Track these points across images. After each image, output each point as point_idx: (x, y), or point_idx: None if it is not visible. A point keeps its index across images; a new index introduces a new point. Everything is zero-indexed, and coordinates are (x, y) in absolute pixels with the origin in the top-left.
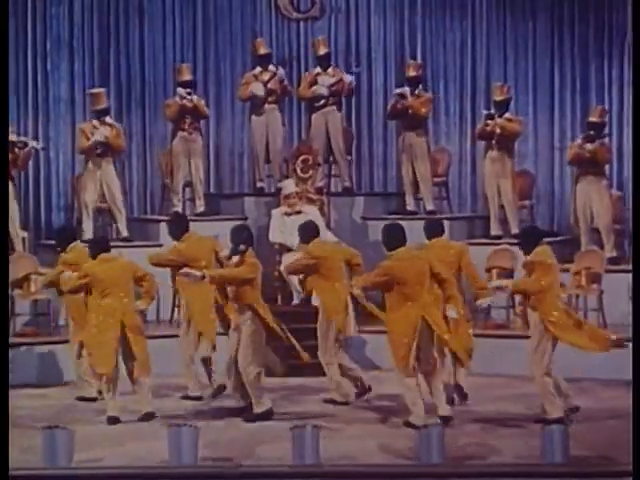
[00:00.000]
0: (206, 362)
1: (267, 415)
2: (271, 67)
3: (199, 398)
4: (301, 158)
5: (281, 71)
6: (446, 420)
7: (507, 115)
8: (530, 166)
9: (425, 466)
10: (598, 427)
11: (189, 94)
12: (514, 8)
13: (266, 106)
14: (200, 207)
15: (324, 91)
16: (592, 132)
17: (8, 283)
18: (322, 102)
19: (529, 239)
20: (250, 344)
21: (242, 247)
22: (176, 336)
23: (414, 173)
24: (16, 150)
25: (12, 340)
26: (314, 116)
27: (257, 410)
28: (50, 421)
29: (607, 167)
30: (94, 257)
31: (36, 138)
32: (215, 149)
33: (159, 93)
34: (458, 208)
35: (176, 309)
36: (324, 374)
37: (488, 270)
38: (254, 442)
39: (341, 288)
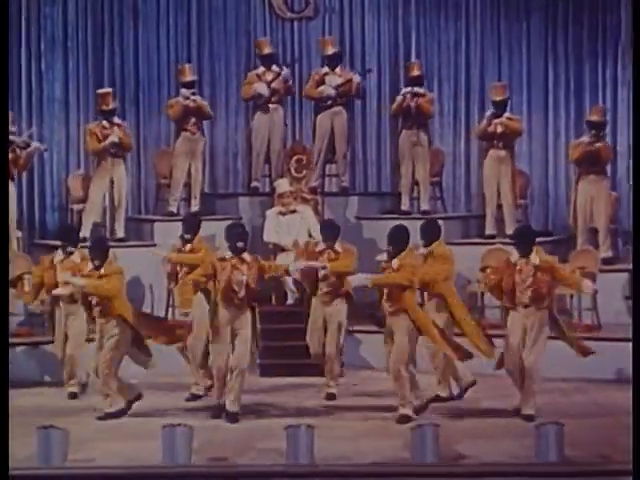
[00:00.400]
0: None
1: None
2: (274, 67)
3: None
4: (295, 158)
5: (286, 71)
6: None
7: (508, 114)
8: (524, 166)
9: (419, 465)
10: (592, 426)
11: (193, 94)
12: (508, 8)
13: (270, 106)
14: (195, 207)
15: (331, 91)
16: (594, 131)
17: (8, 283)
18: (329, 102)
19: (525, 239)
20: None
21: (240, 244)
22: None
23: (413, 172)
24: (17, 150)
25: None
26: (320, 116)
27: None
28: (44, 421)
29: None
30: (100, 259)
31: (30, 138)
32: (210, 149)
33: (153, 93)
34: (452, 208)
35: (170, 309)
36: (319, 374)
37: (482, 270)
38: (248, 441)
39: None
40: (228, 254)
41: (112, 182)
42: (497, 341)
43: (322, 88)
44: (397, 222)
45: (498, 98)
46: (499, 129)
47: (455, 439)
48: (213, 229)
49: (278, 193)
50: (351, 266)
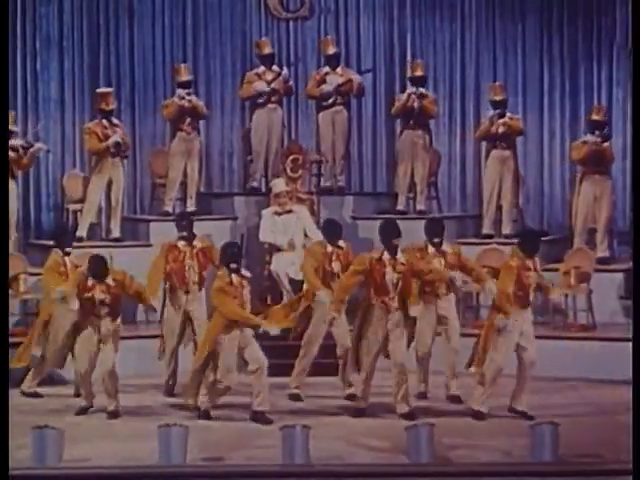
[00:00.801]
0: None
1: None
2: (275, 67)
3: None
4: (291, 158)
5: (286, 71)
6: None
7: (508, 114)
8: (519, 166)
9: (414, 465)
10: (587, 426)
11: (188, 94)
12: (503, 9)
13: (269, 105)
14: (191, 206)
15: (330, 90)
16: (598, 131)
17: (8, 283)
18: (330, 101)
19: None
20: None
21: (233, 266)
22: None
23: (411, 172)
24: (20, 151)
25: None
26: (321, 115)
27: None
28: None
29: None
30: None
31: (25, 137)
32: (205, 148)
33: (149, 93)
34: (447, 208)
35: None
36: (313, 374)
37: None
38: (244, 441)
39: None
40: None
41: (110, 182)
42: None
43: (323, 87)
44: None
45: (498, 98)
46: (502, 129)
47: (450, 439)
48: (209, 229)
49: (274, 193)
50: None
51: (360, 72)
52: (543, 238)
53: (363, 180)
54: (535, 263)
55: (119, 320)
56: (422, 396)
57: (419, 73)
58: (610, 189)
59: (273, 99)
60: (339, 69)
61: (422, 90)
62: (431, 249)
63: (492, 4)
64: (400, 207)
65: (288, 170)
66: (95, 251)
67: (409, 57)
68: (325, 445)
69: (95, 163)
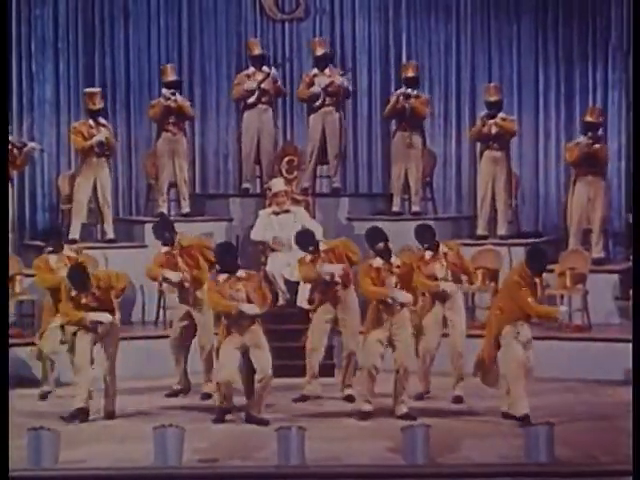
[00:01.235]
0: None
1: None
2: (265, 68)
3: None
4: (286, 159)
5: (275, 72)
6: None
7: (501, 115)
8: (515, 167)
9: (410, 466)
10: (583, 427)
11: (173, 94)
12: (498, 10)
13: (259, 106)
14: (185, 208)
15: (319, 91)
16: (590, 133)
17: (7, 283)
18: (319, 103)
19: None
20: None
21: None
22: (162, 337)
23: (405, 174)
24: (15, 151)
25: None
26: (312, 117)
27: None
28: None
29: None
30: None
31: (20, 138)
32: (200, 150)
33: (144, 94)
34: (443, 209)
35: (161, 310)
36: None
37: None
38: (239, 443)
39: None
40: (222, 276)
41: (95, 182)
42: None
43: (311, 89)
44: (388, 223)
45: (492, 99)
46: (494, 130)
47: (446, 440)
48: (204, 230)
49: (273, 192)
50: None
51: (341, 73)
52: (538, 239)
53: (359, 181)
54: (542, 281)
55: (117, 316)
56: (420, 397)
57: (411, 74)
58: (604, 190)
59: (263, 100)
60: (327, 70)
61: (412, 91)
62: (428, 254)
63: (487, 5)
64: (395, 208)
65: (283, 171)
66: (90, 252)
67: (404, 58)
68: (321, 446)
69: (80, 162)
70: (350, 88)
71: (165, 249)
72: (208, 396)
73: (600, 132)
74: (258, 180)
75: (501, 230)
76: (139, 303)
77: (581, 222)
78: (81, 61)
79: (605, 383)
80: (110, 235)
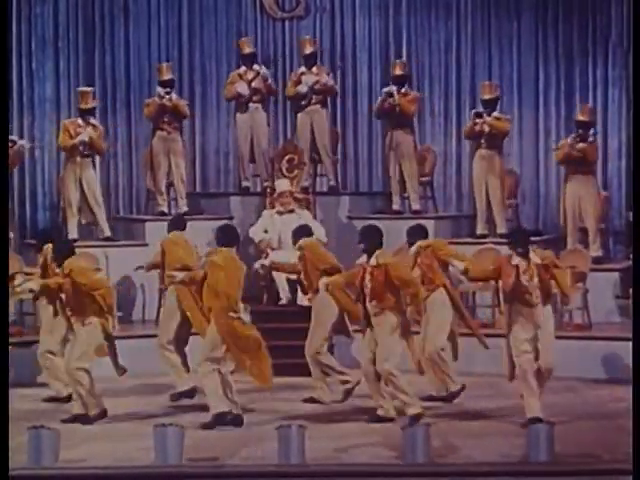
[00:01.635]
0: None
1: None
2: (255, 66)
3: None
4: (287, 157)
5: (265, 70)
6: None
7: (495, 114)
8: (515, 165)
9: (410, 465)
10: (582, 425)
11: (168, 93)
12: (499, 8)
13: (251, 105)
14: (183, 206)
15: (304, 89)
16: (581, 131)
17: (8, 283)
18: (305, 101)
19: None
20: None
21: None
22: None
23: (401, 172)
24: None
25: None
26: (299, 115)
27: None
28: (32, 421)
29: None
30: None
31: (21, 137)
32: (201, 148)
33: (144, 93)
34: (443, 207)
35: (162, 309)
36: (309, 374)
37: None
38: (240, 442)
39: None
40: None
41: (82, 182)
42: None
43: (298, 87)
44: (388, 222)
45: (486, 97)
46: (485, 128)
47: (446, 439)
48: (205, 229)
49: (277, 192)
50: None
51: (330, 70)
52: (538, 238)
53: (359, 180)
54: (528, 263)
55: (88, 320)
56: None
57: (398, 72)
58: (595, 188)
59: (255, 98)
60: (315, 68)
61: (398, 89)
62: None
63: (487, 3)
64: (395, 207)
65: (284, 170)
66: (91, 251)
67: (405, 56)
68: (321, 445)
69: (65, 161)
70: (337, 86)
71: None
72: None
73: (591, 131)
74: (257, 179)
75: (501, 229)
76: (139, 302)
77: (575, 221)
78: (81, 59)
79: (605, 382)
80: (107, 233)
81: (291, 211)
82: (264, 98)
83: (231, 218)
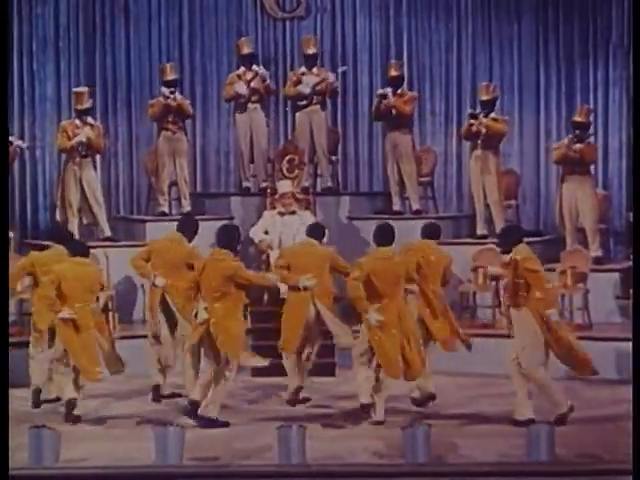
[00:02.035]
0: None
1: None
2: (254, 67)
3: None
4: (287, 158)
5: (263, 70)
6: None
7: (493, 115)
8: (515, 166)
9: (411, 465)
10: (582, 426)
11: (172, 93)
12: (499, 10)
13: (249, 105)
14: (186, 207)
15: (307, 90)
16: (578, 131)
17: (8, 283)
18: (306, 101)
19: (508, 238)
20: None
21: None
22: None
23: (400, 173)
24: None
25: None
26: (298, 115)
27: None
28: (32, 421)
29: (592, 167)
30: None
31: (22, 137)
32: (201, 148)
33: (145, 93)
34: (444, 208)
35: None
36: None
37: (474, 270)
38: (240, 442)
39: None
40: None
41: (82, 182)
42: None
43: (299, 87)
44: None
45: (484, 98)
46: (482, 129)
47: (447, 439)
48: (205, 229)
49: (280, 193)
50: None
51: (336, 72)
52: (538, 238)
53: (359, 180)
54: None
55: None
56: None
57: (393, 73)
58: (592, 189)
59: (254, 99)
60: (315, 69)
61: (393, 90)
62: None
63: (488, 4)
64: (395, 207)
65: (284, 170)
66: (92, 251)
67: (405, 57)
68: (322, 445)
69: (64, 162)
70: (338, 87)
71: None
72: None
73: (589, 132)
74: (256, 179)
75: (499, 229)
76: (139, 302)
77: (572, 221)
78: (82, 60)
79: (606, 382)
80: (107, 233)
81: (292, 212)
82: (263, 98)
83: (232, 218)
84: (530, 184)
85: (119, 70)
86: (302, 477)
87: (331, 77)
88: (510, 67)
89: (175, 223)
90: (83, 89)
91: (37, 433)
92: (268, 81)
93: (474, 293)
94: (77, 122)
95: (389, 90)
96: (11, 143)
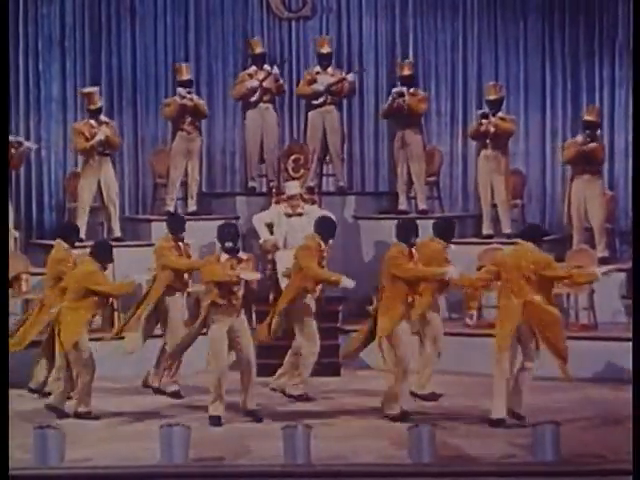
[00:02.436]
0: None
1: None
2: (266, 66)
3: None
4: (292, 157)
5: (276, 70)
6: None
7: (500, 114)
8: (521, 165)
9: (416, 465)
10: (587, 426)
11: (189, 93)
12: (505, 9)
13: (261, 105)
14: (192, 206)
15: (321, 89)
16: (589, 131)
17: (8, 283)
18: (320, 100)
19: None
20: None
21: (228, 245)
22: (160, 336)
23: (409, 172)
24: (12, 150)
25: None
26: (311, 114)
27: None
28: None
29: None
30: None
31: (28, 138)
32: (207, 148)
33: (151, 93)
34: (449, 207)
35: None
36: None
37: (479, 269)
38: (245, 441)
39: None
40: (224, 256)
41: (99, 181)
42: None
43: (314, 86)
44: (395, 222)
45: (491, 97)
46: (491, 129)
47: (451, 438)
48: (210, 229)
49: (288, 195)
50: None
51: (355, 72)
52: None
53: (365, 180)
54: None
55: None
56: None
57: (406, 72)
58: (601, 189)
59: (265, 98)
60: (330, 69)
61: (401, 89)
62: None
63: (494, 4)
64: (401, 207)
65: (290, 170)
66: None
67: (411, 56)
68: (327, 445)
69: (83, 163)
70: (356, 86)
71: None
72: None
73: (598, 131)
74: (264, 179)
75: (506, 229)
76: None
77: (580, 221)
78: (88, 60)
79: (611, 382)
80: (117, 233)
81: (299, 214)
82: (274, 98)
83: (237, 218)
84: (536, 183)
85: (125, 70)
86: (307, 477)
87: (350, 77)
88: (516, 66)
89: None
90: (93, 89)
91: (41, 433)
92: (281, 81)
93: (480, 294)
94: (92, 122)
95: (405, 89)
96: (21, 144)
